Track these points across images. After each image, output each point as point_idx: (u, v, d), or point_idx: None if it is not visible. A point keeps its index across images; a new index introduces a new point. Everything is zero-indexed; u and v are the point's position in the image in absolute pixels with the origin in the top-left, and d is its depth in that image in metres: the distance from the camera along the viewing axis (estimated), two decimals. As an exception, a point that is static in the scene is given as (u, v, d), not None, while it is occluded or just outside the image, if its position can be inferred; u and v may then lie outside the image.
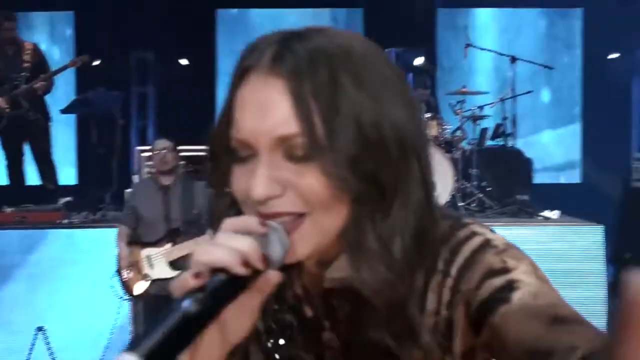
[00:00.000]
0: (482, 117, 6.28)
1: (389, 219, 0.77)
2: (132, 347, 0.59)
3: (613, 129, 7.83)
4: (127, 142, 7.55)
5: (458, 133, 6.13)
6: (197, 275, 0.67)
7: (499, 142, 6.51)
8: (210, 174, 0.83)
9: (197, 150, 5.07)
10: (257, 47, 0.77)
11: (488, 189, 5.98)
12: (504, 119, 6.38)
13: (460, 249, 0.82)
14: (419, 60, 7.22)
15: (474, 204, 5.84)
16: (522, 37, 8.39)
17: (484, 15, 8.60)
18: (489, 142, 6.51)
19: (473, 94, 6.42)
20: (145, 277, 4.20)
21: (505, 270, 0.78)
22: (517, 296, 0.75)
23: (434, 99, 6.80)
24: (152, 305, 4.25)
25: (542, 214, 5.50)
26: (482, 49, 6.56)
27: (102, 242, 4.92)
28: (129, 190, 5.05)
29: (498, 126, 6.51)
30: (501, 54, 6.34)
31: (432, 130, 5.89)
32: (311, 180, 0.73)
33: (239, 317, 0.72)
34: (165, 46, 7.79)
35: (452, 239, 0.83)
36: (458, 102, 6.20)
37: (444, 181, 5.54)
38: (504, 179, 6.07)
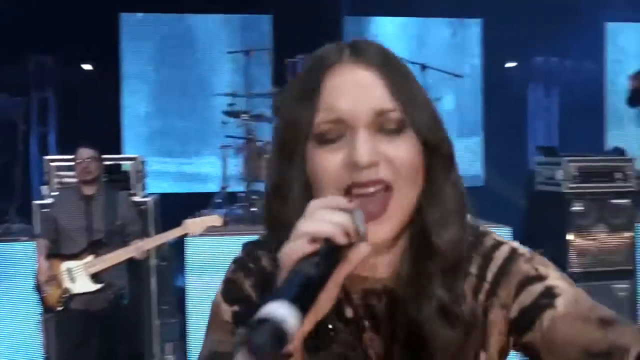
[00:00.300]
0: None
1: (450, 186, 0.90)
2: (274, 297, 0.66)
3: (512, 135, 8.22)
4: (27, 150, 7.20)
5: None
6: (313, 241, 0.73)
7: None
8: (279, 164, 0.90)
9: (112, 159, 4.91)
10: (326, 52, 0.90)
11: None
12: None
13: (492, 255, 0.93)
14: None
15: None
16: (426, 45, 8.63)
17: (389, 24, 8.79)
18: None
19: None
20: (65, 291, 4.01)
21: (540, 277, 0.90)
22: (560, 302, 0.87)
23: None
24: (72, 321, 4.07)
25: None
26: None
27: (9, 257, 4.68)
28: (37, 202, 4.81)
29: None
30: (412, 62, 6.49)
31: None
32: (401, 152, 0.85)
33: (327, 291, 0.76)
34: (66, 50, 7.49)
35: (480, 247, 0.94)
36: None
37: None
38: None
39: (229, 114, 6.31)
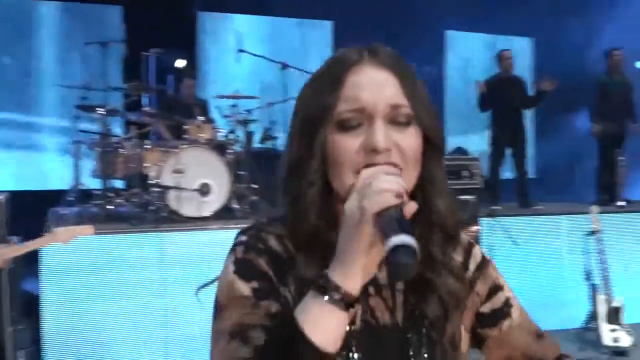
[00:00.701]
0: (251, 121, 6.45)
1: (440, 169, 1.06)
2: (393, 233, 0.83)
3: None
4: None
5: (230, 136, 6.23)
6: (397, 195, 0.88)
7: (267, 145, 6.73)
8: (299, 145, 1.03)
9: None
10: (348, 53, 1.03)
11: (257, 190, 6.10)
12: (272, 123, 6.63)
13: (470, 251, 1.14)
14: (180, 62, 7.19)
15: (247, 206, 5.92)
16: (278, 44, 8.71)
17: (242, 21, 8.79)
18: (257, 145, 6.70)
19: (242, 98, 6.51)
20: None
21: (501, 287, 1.15)
22: (514, 313, 1.15)
23: (203, 102, 6.84)
24: None
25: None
26: (255, 55, 6.72)
27: None
28: None
29: (266, 130, 6.74)
30: (273, 61, 6.54)
31: (206, 133, 5.90)
32: (409, 142, 1.00)
33: (379, 249, 0.89)
34: None
35: (461, 240, 1.13)
36: (232, 106, 6.30)
37: (220, 183, 5.60)
38: (272, 181, 6.26)
39: (82, 108, 6.00)
